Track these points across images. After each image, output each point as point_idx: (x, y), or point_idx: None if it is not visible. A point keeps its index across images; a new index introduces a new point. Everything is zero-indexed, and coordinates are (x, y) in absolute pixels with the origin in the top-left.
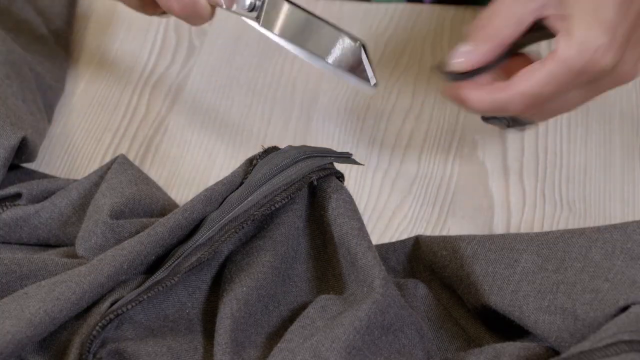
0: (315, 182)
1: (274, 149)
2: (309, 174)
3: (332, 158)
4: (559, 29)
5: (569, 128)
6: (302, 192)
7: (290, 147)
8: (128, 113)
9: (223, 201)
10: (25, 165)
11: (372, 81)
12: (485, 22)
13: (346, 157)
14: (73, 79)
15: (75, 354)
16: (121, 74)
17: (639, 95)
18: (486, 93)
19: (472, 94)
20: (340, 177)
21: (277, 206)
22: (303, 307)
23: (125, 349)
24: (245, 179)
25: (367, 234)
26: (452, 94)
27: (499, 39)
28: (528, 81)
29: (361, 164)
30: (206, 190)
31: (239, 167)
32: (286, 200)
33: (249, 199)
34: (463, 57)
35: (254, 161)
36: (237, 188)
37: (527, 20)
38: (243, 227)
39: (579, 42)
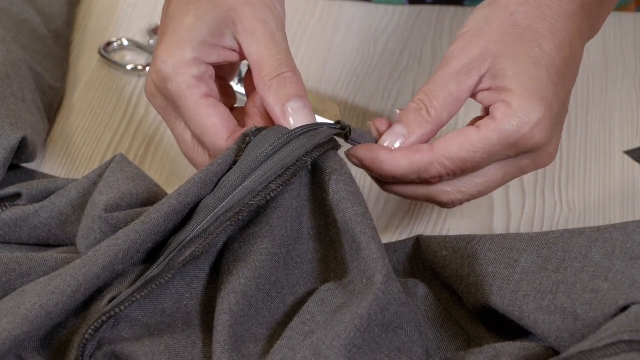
0: (309, 167)
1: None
2: (303, 156)
3: (325, 129)
4: (493, 100)
5: (569, 128)
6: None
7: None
8: (128, 113)
9: (218, 182)
10: (25, 165)
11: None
12: (422, 104)
13: (338, 129)
14: (73, 79)
15: (74, 355)
16: (121, 74)
17: (639, 95)
18: (405, 155)
19: (387, 155)
20: (335, 147)
21: (272, 195)
22: (306, 291)
23: (122, 350)
24: (239, 157)
25: (371, 220)
26: (363, 156)
27: (439, 123)
28: (460, 145)
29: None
30: (200, 172)
31: (233, 144)
32: (282, 187)
33: (243, 185)
34: (399, 140)
35: (247, 138)
36: (231, 167)
37: (464, 98)
38: (239, 219)
39: (521, 114)
